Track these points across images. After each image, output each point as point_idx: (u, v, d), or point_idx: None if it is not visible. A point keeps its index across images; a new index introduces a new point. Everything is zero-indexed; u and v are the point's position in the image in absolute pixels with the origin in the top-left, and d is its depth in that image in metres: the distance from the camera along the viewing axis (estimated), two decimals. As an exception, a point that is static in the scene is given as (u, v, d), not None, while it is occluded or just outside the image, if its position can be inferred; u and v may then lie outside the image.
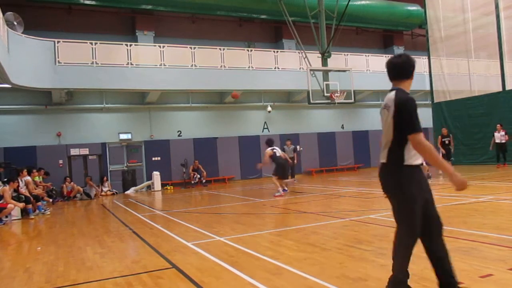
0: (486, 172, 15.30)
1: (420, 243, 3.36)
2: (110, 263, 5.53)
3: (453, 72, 21.29)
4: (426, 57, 22.79)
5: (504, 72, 18.65)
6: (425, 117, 25.09)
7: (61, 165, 17.90)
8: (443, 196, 9.97)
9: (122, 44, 18.06)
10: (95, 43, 17.39)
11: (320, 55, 19.02)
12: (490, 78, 19.46)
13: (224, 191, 15.94)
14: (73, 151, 18.23)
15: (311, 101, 17.82)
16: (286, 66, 21.00)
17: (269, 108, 21.81)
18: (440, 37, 21.67)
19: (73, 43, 17.09)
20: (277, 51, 21.37)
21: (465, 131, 20.49)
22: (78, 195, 16.68)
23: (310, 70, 17.94)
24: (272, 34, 24.66)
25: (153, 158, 19.64)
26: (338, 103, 18.54)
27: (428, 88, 23.04)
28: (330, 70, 18.61)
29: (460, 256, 4.50)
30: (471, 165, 19.36)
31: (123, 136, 19.08)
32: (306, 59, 18.82)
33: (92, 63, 17.18)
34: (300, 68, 20.93)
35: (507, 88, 18.58)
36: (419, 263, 4.37)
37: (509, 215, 6.83)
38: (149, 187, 19.00)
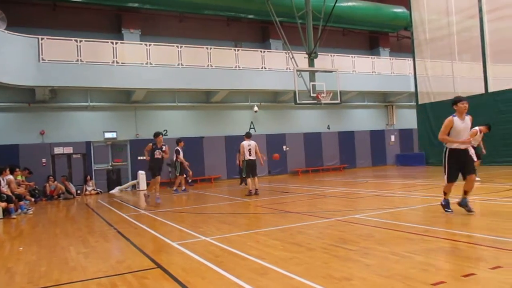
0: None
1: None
2: (94, 263, 5.47)
3: (437, 74, 21.59)
4: (411, 58, 23.08)
5: (487, 74, 18.96)
6: (410, 118, 25.45)
7: (44, 164, 17.64)
8: (426, 196, 10.10)
9: (107, 42, 17.88)
10: (80, 41, 17.19)
11: (306, 56, 19.11)
12: (473, 80, 19.76)
13: (210, 191, 15.90)
14: (57, 150, 17.97)
15: (298, 101, 17.89)
16: (273, 66, 21.05)
17: (255, 108, 21.83)
18: (425, 39, 21.95)
19: (58, 40, 16.86)
20: (264, 51, 21.40)
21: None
22: (61, 194, 16.45)
23: (297, 70, 18.01)
24: (259, 34, 24.68)
25: (139, 157, 19.46)
26: (324, 103, 18.65)
27: (413, 89, 23.33)
28: (316, 71, 18.71)
29: (443, 256, 4.56)
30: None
31: (108, 135, 18.89)
32: (293, 59, 18.88)
33: (77, 60, 16.98)
34: (286, 68, 21.00)
35: (490, 90, 18.90)
36: (404, 262, 4.42)
37: (491, 215, 6.95)
38: (134, 186, 18.85)
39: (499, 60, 18.92)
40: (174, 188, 15.75)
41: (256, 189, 12.76)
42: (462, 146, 7.14)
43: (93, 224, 9.32)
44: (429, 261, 4.42)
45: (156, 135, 12.07)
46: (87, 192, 17.66)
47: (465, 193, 7.16)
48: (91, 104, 18.62)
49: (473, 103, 19.50)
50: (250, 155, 12.83)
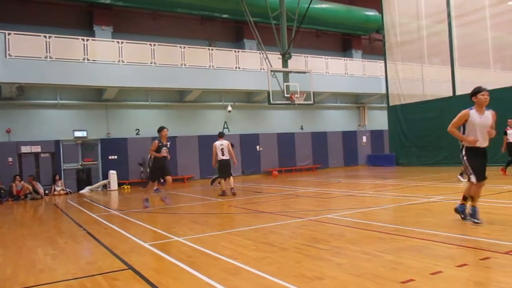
0: (437, 173, 15.96)
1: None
2: (62, 264, 5.33)
3: (407, 76, 22.10)
4: (383, 61, 23.53)
5: (455, 78, 19.55)
6: (381, 119, 25.95)
7: (10, 163, 17.08)
8: (396, 196, 10.32)
9: (78, 39, 17.49)
10: (50, 37, 16.76)
11: (280, 56, 19.21)
12: (442, 83, 20.33)
13: (183, 191, 15.78)
14: (24, 149, 17.43)
15: (271, 101, 17.96)
16: (247, 66, 21.07)
17: (229, 108, 21.79)
18: (396, 42, 22.43)
19: (26, 36, 16.39)
20: (238, 51, 21.39)
21: (418, 134, 21.30)
22: (28, 194, 15.97)
23: (271, 70, 18.08)
24: (233, 33, 24.64)
25: (110, 157, 19.14)
26: (297, 104, 18.78)
27: (384, 91, 23.79)
28: (290, 72, 18.83)
29: (412, 254, 4.66)
30: (423, 166, 20.16)
31: (78, 134, 18.46)
32: (267, 59, 18.95)
33: (46, 57, 16.55)
34: (260, 69, 21.06)
35: (457, 93, 19.48)
36: (374, 261, 4.50)
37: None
38: (105, 186, 18.50)
39: (466, 64, 19.52)
40: (155, 188, 15.59)
41: (232, 188, 12.66)
42: (483, 144, 6.20)
43: (62, 225, 9.09)
44: (398, 259, 4.52)
45: (161, 129, 10.71)
46: (55, 192, 17.22)
47: (472, 199, 6.22)
48: (60, 102, 18.16)
49: (441, 105, 20.30)
50: (223, 155, 12.77)
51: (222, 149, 12.78)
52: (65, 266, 5.25)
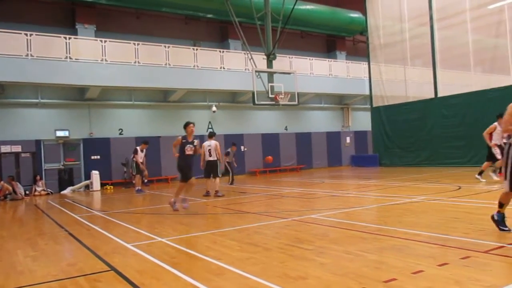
0: (419, 173, 16.18)
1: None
2: (43, 266, 5.24)
3: (390, 78, 22.37)
4: (366, 62, 23.76)
5: (437, 80, 19.85)
6: (364, 120, 26.20)
7: (-10, 163, 16.75)
8: (379, 197, 10.43)
9: (60, 37, 17.24)
10: (31, 34, 16.48)
11: (265, 57, 19.23)
12: (424, 85, 20.64)
13: (167, 191, 15.67)
14: (4, 148, 17.10)
15: (256, 102, 17.97)
16: (232, 66, 21.05)
17: (214, 108, 21.73)
18: (380, 44, 22.68)
19: (6, 33, 16.08)
20: (223, 51, 21.36)
21: (401, 135, 21.58)
22: (8, 195, 15.65)
23: (256, 71, 18.09)
24: (218, 33, 24.59)
25: (92, 157, 18.90)
26: (282, 104, 18.83)
27: (367, 92, 24.03)
28: (275, 72, 18.87)
29: (394, 254, 4.72)
30: (405, 167, 20.41)
31: (60, 133, 18.18)
32: (251, 60, 18.95)
33: (27, 55, 16.27)
34: (245, 69, 21.07)
35: (439, 95, 19.80)
36: (357, 260, 4.54)
37: (439, 214, 7.26)
38: (87, 186, 18.27)
39: (448, 66, 19.85)
40: (138, 187, 15.48)
41: (216, 191, 12.49)
42: None
43: (43, 226, 8.94)
44: (381, 259, 4.57)
45: (186, 124, 9.61)
46: (36, 193, 16.93)
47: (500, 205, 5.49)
48: (42, 101, 17.86)
49: (423, 107, 20.61)
50: (210, 156, 12.72)
51: (209, 150, 12.73)
52: (46, 268, 5.17)
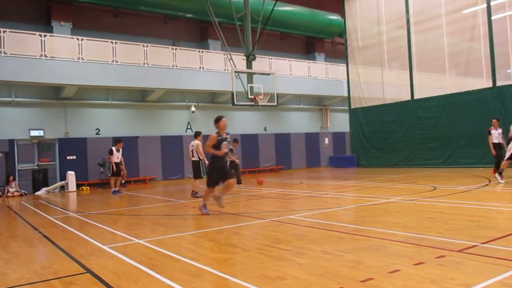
0: (396, 174, 16.44)
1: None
2: (16, 269, 5.11)
3: (368, 80, 22.68)
4: (345, 64, 24.03)
5: (413, 82, 20.24)
6: (343, 121, 26.47)
7: (-40, 163, 16.25)
8: (357, 197, 10.55)
9: (35, 34, 16.86)
10: (4, 31, 16.07)
11: (245, 58, 19.23)
12: (401, 87, 21.01)
13: (145, 192, 15.49)
14: (-25, 148, 16.63)
15: (235, 102, 17.95)
16: (211, 66, 20.98)
17: (192, 108, 21.61)
18: (358, 47, 22.96)
19: (-22, 30, 15.65)
20: (202, 51, 21.27)
21: (378, 136, 21.90)
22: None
23: (235, 71, 18.07)
24: (197, 33, 24.47)
25: (68, 157, 18.53)
26: (261, 105, 18.86)
27: (346, 94, 24.29)
28: (254, 73, 18.89)
29: (371, 253, 4.78)
30: (382, 167, 20.72)
31: (34, 133, 17.77)
32: (231, 60, 18.92)
33: (0, 52, 15.85)
34: (225, 69, 21.02)
35: (415, 97, 20.18)
36: (335, 260, 4.58)
37: (415, 214, 7.39)
38: (62, 187, 17.91)
39: (424, 69, 20.25)
40: (115, 189, 15.20)
41: (194, 192, 12.32)
42: None
43: (16, 228, 8.71)
44: (358, 259, 4.62)
45: (218, 119, 8.58)
46: (9, 194, 16.50)
47: None
48: (15, 99, 17.42)
49: (400, 108, 20.97)
50: (193, 156, 12.64)
51: (192, 150, 12.66)
52: (19, 271, 5.04)
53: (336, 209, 8.67)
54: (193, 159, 12.59)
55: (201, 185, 12.65)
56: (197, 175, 12.56)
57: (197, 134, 13.16)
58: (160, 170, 20.79)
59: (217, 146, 8.30)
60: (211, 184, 8.50)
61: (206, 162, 12.61)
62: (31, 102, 17.90)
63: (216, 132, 8.48)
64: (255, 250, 5.31)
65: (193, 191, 12.51)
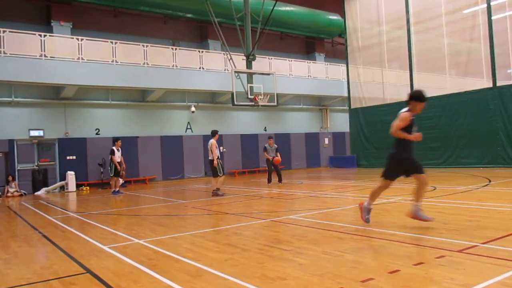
0: (396, 174, 16.39)
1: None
2: (16, 269, 5.11)
3: (368, 80, 22.68)
4: (345, 64, 24.02)
5: (413, 82, 20.22)
6: (343, 121, 26.46)
7: (-40, 163, 16.25)
8: (357, 197, 10.54)
9: (35, 34, 16.86)
10: (4, 31, 16.07)
11: (245, 58, 19.24)
12: (401, 87, 20.96)
13: (145, 192, 15.49)
14: (-25, 148, 16.63)
15: (235, 102, 17.96)
16: (211, 66, 20.98)
17: (192, 108, 21.61)
18: (358, 47, 22.96)
19: (-22, 30, 15.65)
20: (202, 51, 21.27)
21: (378, 136, 21.87)
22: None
23: (235, 71, 18.08)
24: (197, 33, 24.47)
25: (68, 157, 18.54)
26: (261, 105, 18.88)
27: (346, 94, 24.28)
28: (254, 73, 18.90)
29: (371, 254, 4.78)
30: (382, 167, 20.67)
31: (34, 133, 17.78)
32: (231, 60, 18.92)
33: (0, 52, 15.84)
34: (225, 70, 21.02)
35: (415, 97, 20.11)
36: (335, 261, 4.57)
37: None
38: (62, 187, 17.91)
39: (423, 69, 20.24)
40: (116, 190, 15.21)
41: (216, 189, 12.41)
42: None
43: (16, 228, 8.71)
44: (358, 259, 4.61)
45: (418, 96, 6.69)
46: (9, 194, 16.50)
47: None
48: (15, 99, 17.43)
49: (400, 108, 20.84)
50: (209, 156, 12.70)
51: (209, 149, 12.69)
52: (18, 271, 5.04)
53: (336, 209, 8.67)
54: (210, 158, 12.61)
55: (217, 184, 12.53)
56: (215, 174, 12.56)
57: (213, 133, 13.01)
58: (160, 170, 20.79)
59: (408, 128, 6.40)
60: (391, 176, 6.79)
61: (215, 162, 12.41)
62: (31, 102, 17.90)
63: (407, 110, 6.50)
64: (255, 250, 5.31)
65: (213, 190, 12.46)
